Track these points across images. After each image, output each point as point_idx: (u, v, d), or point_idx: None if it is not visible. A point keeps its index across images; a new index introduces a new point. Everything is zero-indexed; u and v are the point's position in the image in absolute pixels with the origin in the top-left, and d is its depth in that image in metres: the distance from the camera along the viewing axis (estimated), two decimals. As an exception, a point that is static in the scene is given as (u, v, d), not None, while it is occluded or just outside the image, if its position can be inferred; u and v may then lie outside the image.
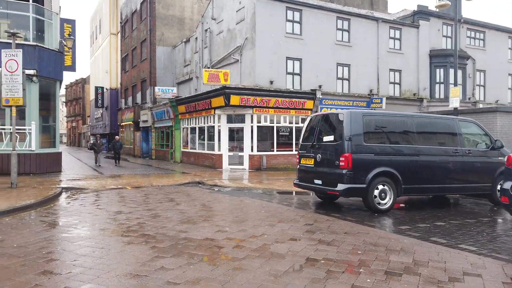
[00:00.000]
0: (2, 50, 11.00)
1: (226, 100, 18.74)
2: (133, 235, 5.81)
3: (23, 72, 11.14)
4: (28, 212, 7.90)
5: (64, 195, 10.68)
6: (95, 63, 54.37)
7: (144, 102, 32.29)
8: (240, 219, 6.96)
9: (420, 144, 8.19)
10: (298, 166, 9.10)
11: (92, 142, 30.38)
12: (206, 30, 25.19)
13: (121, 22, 40.40)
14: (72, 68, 24.31)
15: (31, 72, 14.65)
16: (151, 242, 5.36)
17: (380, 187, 7.73)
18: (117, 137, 25.29)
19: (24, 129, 14.80)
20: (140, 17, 33.35)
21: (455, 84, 13.51)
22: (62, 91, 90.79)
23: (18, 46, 12.91)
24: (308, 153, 8.51)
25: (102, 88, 45.81)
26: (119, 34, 42.04)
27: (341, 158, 7.48)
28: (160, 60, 30.89)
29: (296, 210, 8.07)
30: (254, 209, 8.08)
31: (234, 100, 18.78)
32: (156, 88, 25.67)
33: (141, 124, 32.11)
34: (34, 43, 14.89)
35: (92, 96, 53.14)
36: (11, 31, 10.97)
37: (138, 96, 34.01)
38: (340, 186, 7.48)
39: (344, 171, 7.47)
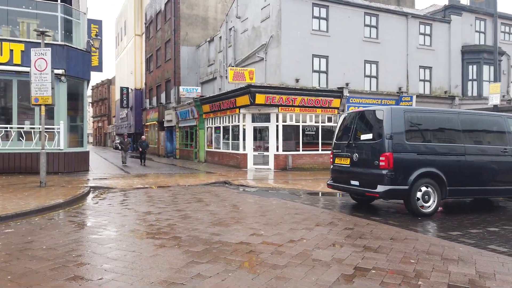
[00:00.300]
0: (32, 49, 11.04)
1: (252, 98, 18.43)
2: (164, 237, 5.53)
3: (52, 71, 11.15)
4: (56, 212, 7.79)
5: (92, 194, 10.61)
6: (120, 64, 55.27)
7: (169, 102, 32.42)
8: (274, 222, 6.59)
9: (466, 142, 7.59)
10: (332, 166, 8.64)
11: (119, 140, 29.99)
12: (230, 29, 24.98)
13: (145, 23, 40.80)
14: (98, 68, 24.62)
15: (60, 71, 14.75)
16: (184, 246, 5.07)
17: (423, 189, 7.19)
18: (143, 137, 24.81)
19: (53, 128, 14.93)
20: (164, 18, 33.52)
21: (496, 79, 12.70)
22: (88, 92, 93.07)
23: (47, 45, 13.00)
24: (344, 153, 8.05)
25: (127, 88, 46.44)
26: (144, 35, 42.49)
27: (381, 158, 6.99)
28: (184, 60, 30.92)
29: (332, 212, 7.62)
30: (286, 211, 7.70)
31: (260, 98, 18.44)
32: (181, 88, 25.65)
33: (166, 124, 32.25)
34: (63, 43, 15.00)
35: (117, 96, 54.04)
36: (40, 29, 10.98)
37: (163, 96, 34.20)
38: (380, 188, 6.99)
39: (384, 172, 6.98)
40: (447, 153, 7.40)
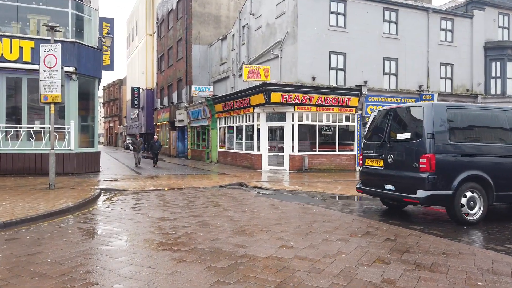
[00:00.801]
0: (41, 45, 10.57)
1: (267, 97, 17.77)
2: (183, 249, 4.91)
3: (62, 68, 10.66)
4: (65, 217, 7.24)
5: (103, 197, 10.07)
6: (132, 64, 55.15)
7: (180, 102, 31.97)
8: (303, 231, 5.92)
9: (515, 143, 6.82)
10: (361, 168, 7.93)
11: (131, 141, 28.21)
12: (243, 26, 24.37)
13: (157, 22, 40.47)
14: (110, 67, 24.22)
15: (70, 69, 14.31)
16: (205, 260, 4.44)
17: (469, 194, 6.44)
18: (155, 137, 23.36)
19: (63, 128, 14.49)
20: (176, 16, 33.09)
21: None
22: (99, 92, 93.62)
23: (57, 42, 12.55)
24: (376, 154, 7.33)
25: (138, 88, 46.20)
26: (155, 34, 42.18)
27: (421, 160, 6.27)
28: (196, 59, 30.42)
29: (364, 219, 6.92)
30: (313, 217, 7.02)
31: (275, 97, 17.78)
32: (193, 87, 25.13)
33: (177, 124, 31.79)
34: (73, 40, 14.56)
35: (128, 96, 53.93)
36: (50, 24, 10.49)
37: (174, 95, 33.77)
38: (421, 193, 6.27)
39: (425, 175, 6.25)
40: (495, 155, 6.64)
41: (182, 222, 6.66)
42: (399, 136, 6.79)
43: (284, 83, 18.03)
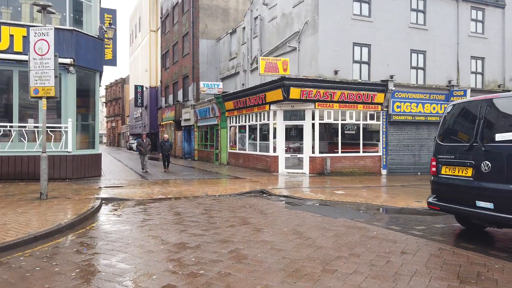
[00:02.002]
0: (31, 29, 8.92)
1: (285, 93, 16.07)
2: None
3: (56, 56, 9.00)
4: (55, 242, 5.58)
5: (104, 209, 8.40)
6: (135, 62, 53.56)
7: (186, 100, 30.31)
8: (385, 272, 4.22)
9: None
10: (434, 177, 6.19)
11: (136, 142, 22.21)
12: (255, 18, 22.66)
13: (161, 17, 38.83)
14: (112, 62, 22.53)
15: (68, 61, 12.66)
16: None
17: None
18: (165, 135, 19.48)
19: (60, 128, 12.84)
20: (182, 10, 31.42)
21: None
22: (102, 91, 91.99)
23: (54, 30, 10.92)
24: (461, 159, 5.59)
25: (142, 86, 44.61)
26: (159, 30, 40.55)
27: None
28: (203, 54, 28.74)
29: (456, 250, 5.16)
30: (382, 245, 5.33)
31: (294, 93, 16.07)
32: (201, 83, 23.45)
33: (183, 123, 30.14)
34: (71, 28, 12.90)
35: (131, 95, 52.35)
36: (41, 2, 8.82)
37: (180, 93, 32.12)
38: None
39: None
40: None
41: (209, 252, 4.97)
42: (502, 137, 5.05)
43: (304, 77, 16.32)
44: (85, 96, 14.25)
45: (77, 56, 12.96)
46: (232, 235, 5.87)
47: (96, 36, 14.17)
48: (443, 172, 5.93)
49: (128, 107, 60.80)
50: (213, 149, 24.85)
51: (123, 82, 69.96)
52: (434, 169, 6.10)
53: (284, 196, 10.43)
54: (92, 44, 13.70)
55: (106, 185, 12.08)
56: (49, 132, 12.62)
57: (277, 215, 7.66)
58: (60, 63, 12.36)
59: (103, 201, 9.31)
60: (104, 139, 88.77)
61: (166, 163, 18.14)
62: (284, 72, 16.26)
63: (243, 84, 23.95)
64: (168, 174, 16.43)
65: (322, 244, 5.34)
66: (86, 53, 13.37)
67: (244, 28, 24.24)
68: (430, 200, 6.10)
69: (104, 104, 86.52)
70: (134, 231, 6.22)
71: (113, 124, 79.03)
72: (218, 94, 22.86)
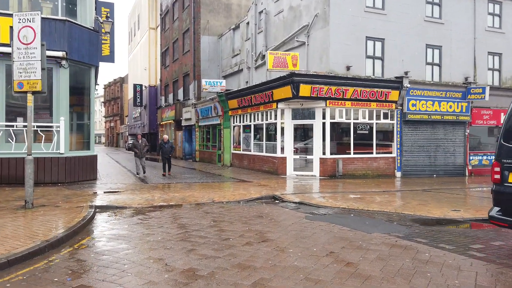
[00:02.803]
0: (14, 14, 7.85)
1: (294, 90, 14.99)
2: None
3: (43, 45, 7.93)
4: (32, 268, 4.49)
5: (98, 220, 7.32)
6: (134, 61, 52.46)
7: (187, 99, 29.22)
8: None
9: None
10: (500, 186, 5.08)
11: (131, 142, 18.78)
12: (260, 12, 21.58)
13: (161, 14, 37.75)
14: (110, 58, 21.36)
15: (59, 54, 11.57)
16: None
17: None
18: (165, 136, 17.35)
19: (51, 127, 11.75)
20: (182, 6, 30.33)
21: None
22: (100, 91, 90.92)
23: (44, 20, 9.84)
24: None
25: (141, 85, 43.50)
26: (159, 28, 39.45)
27: None
28: (205, 51, 27.65)
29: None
30: (444, 273, 4.25)
31: (304, 90, 15.00)
32: (203, 81, 22.36)
33: (183, 123, 29.06)
34: (63, 18, 11.81)
35: (130, 95, 51.22)
36: (24, -17, 7.72)
37: (180, 92, 31.03)
38: None
39: None
40: None
41: (226, 284, 3.88)
42: None
43: (315, 73, 15.24)
44: (79, 93, 13.16)
45: (70, 49, 11.86)
46: (252, 258, 4.79)
47: (92, 28, 13.08)
48: (510, 180, 4.83)
49: (127, 106, 59.68)
50: (215, 149, 23.77)
51: (121, 81, 68.85)
52: (497, 176, 5.00)
53: (299, 203, 9.35)
54: (87, 36, 12.60)
55: (102, 190, 10.98)
56: (39, 132, 11.55)
57: (299, 228, 6.58)
58: (51, 56, 11.30)
59: (97, 210, 8.23)
60: (103, 139, 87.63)
61: (167, 166, 16.19)
62: (293, 68, 15.17)
63: (246, 82, 22.87)
64: (169, 178, 15.33)
65: (368, 271, 4.26)
66: (80, 46, 12.28)
67: (248, 23, 23.16)
68: (494, 214, 5.00)
69: (102, 103, 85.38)
70: (132, 251, 5.14)
71: (112, 124, 77.89)
72: (221, 92, 21.78)
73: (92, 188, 11.29)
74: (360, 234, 6.08)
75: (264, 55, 20.84)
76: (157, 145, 41.16)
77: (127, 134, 59.77)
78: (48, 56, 11.30)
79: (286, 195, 10.44)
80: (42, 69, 7.89)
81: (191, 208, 8.70)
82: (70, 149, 12.15)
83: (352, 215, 7.90)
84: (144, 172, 15.79)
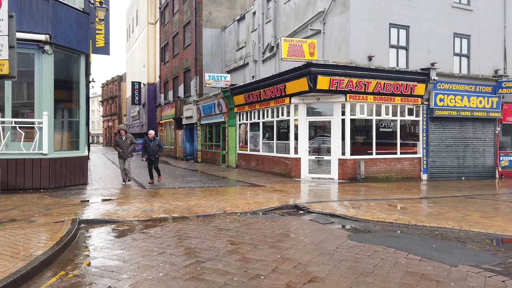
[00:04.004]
0: (-27, -24, 6.10)
1: (311, 82, 13.29)
2: None
3: (11, 17, 6.21)
4: None
5: (79, 243, 5.60)
6: (132, 58, 50.70)
7: (188, 96, 27.49)
8: None
9: None
10: None
11: (116, 140, 12.83)
12: (268, 0, 19.86)
13: (160, 8, 36.04)
14: (105, 50, 19.69)
15: (42, 37, 9.85)
16: None
17: None
18: (151, 132, 12.81)
19: (32, 123, 10.02)
20: (182, -3, 28.61)
21: None
22: (98, 90, 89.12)
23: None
24: None
25: (139, 83, 41.71)
26: (158, 22, 37.70)
27: None
28: (207, 45, 25.92)
29: None
30: None
31: (322, 82, 13.30)
32: (206, 75, 20.63)
33: (184, 121, 27.33)
34: (46, -5, 10.07)
35: (128, 93, 49.43)
36: None
37: (180, 89, 29.29)
38: None
39: None
40: None
41: None
42: None
43: (334, 63, 13.53)
44: (67, 85, 11.43)
45: (55, 32, 10.13)
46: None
47: (81, 10, 11.33)
48: None
49: (125, 105, 57.91)
50: (219, 149, 22.06)
51: (120, 80, 67.04)
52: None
53: (331, 215, 7.65)
54: (74, 18, 10.87)
55: (91, 198, 9.25)
56: (18, 129, 9.83)
57: (350, 256, 4.87)
58: (32, 40, 9.61)
59: (82, 226, 6.53)
60: (101, 139, 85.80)
61: (157, 171, 12.79)
62: (310, 57, 13.47)
63: (253, 77, 21.15)
64: (169, 179, 13.59)
65: None
66: (67, 29, 10.54)
67: (254, 13, 21.44)
68: None
69: (100, 103, 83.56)
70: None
71: (110, 124, 76.07)
72: (226, 88, 20.08)
73: (80, 195, 9.56)
74: (441, 267, 4.38)
75: (273, 47, 19.17)
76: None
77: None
78: (28, 40, 9.61)
79: (310, 204, 8.73)
80: (10, 47, 6.17)
81: (199, 222, 7.00)
82: (55, 149, 10.41)
83: (409, 234, 6.19)
84: (129, 180, 12.46)
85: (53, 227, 6.11)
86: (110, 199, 9.17)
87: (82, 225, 6.68)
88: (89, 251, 5.21)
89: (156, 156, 12.74)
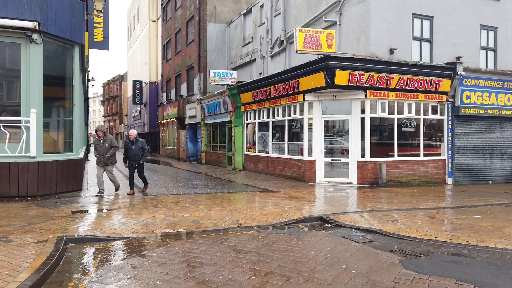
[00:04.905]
0: None
1: (329, 77, 12.09)
2: None
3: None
4: None
5: (63, 271, 4.41)
6: (133, 57, 49.58)
7: (191, 94, 26.33)
8: None
9: None
10: None
11: (92, 140, 10.34)
12: (277, -8, 18.69)
13: (162, 4, 34.90)
14: (104, 45, 18.56)
15: (29, 24, 8.67)
16: None
17: None
18: (132, 132, 10.48)
19: (18, 122, 8.85)
20: (185, -9, 27.44)
21: None
22: (99, 90, 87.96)
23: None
24: None
25: (141, 82, 40.58)
26: (160, 19, 36.54)
27: None
28: (211, 41, 24.74)
29: None
30: None
31: (341, 77, 12.10)
32: (211, 71, 19.46)
33: (187, 121, 26.16)
34: (34, -23, 8.89)
35: (130, 93, 48.28)
36: None
37: (183, 87, 28.13)
38: None
39: None
40: None
41: None
42: None
43: (354, 56, 12.32)
44: (59, 80, 10.26)
45: (45, 19, 8.95)
46: None
47: (75, -4, 10.15)
48: None
49: (127, 105, 56.82)
50: (224, 150, 20.88)
51: (121, 79, 65.98)
52: None
53: (366, 231, 6.45)
54: (68, 4, 9.68)
55: (84, 208, 8.07)
56: (2, 128, 8.67)
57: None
58: (18, 28, 8.46)
59: (69, 246, 5.35)
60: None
61: (143, 180, 10.53)
62: (328, 49, 12.27)
63: (260, 73, 19.96)
64: (172, 183, 12.40)
65: None
66: (59, 16, 9.37)
67: (262, 6, 20.25)
68: None
69: (101, 102, 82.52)
70: None
71: (111, 124, 75.02)
72: (232, 85, 18.90)
73: (72, 204, 8.38)
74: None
75: (283, 41, 17.97)
76: (158, 146, 38.46)
77: (126, 134, 56.97)
78: (13, 27, 8.46)
79: (337, 216, 7.53)
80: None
81: (210, 240, 5.81)
82: (45, 151, 9.24)
83: (468, 256, 4.99)
84: (117, 189, 10.38)
85: (33, 249, 4.94)
86: (106, 209, 7.98)
87: (70, 244, 5.51)
88: (73, 285, 4.02)
89: (141, 162, 10.29)
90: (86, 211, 7.79)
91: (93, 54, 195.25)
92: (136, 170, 10.35)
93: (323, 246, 5.53)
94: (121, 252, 5.24)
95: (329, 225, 7.05)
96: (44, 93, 9.18)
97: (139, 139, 10.35)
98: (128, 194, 10.09)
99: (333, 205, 8.85)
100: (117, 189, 10.46)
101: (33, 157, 8.89)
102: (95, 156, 10.07)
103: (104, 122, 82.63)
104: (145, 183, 10.68)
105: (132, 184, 10.28)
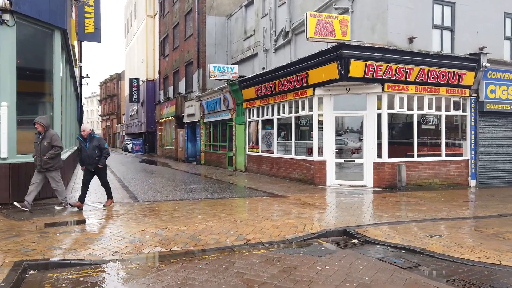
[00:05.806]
0: None
1: (342, 68, 10.82)
2: None
3: None
4: None
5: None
6: (130, 54, 48.29)
7: (190, 91, 25.04)
8: None
9: None
10: None
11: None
12: (282, -20, 17.40)
13: (159, -2, 33.57)
14: (95, 36, 17.27)
15: (-2, 3, 7.37)
16: None
17: None
18: (86, 126, 7.91)
19: (-15, 117, 7.55)
20: (183, -17, 26.15)
21: None
22: (96, 89, 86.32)
23: None
24: None
25: (138, 80, 39.29)
26: (157, 15, 35.24)
27: None
28: (211, 35, 23.45)
29: None
30: None
31: (356, 68, 10.84)
32: (211, 66, 18.17)
33: (186, 119, 24.89)
34: None
35: (127, 91, 46.98)
36: None
37: (182, 84, 26.84)
38: None
39: None
40: None
41: None
42: None
43: (371, 45, 11.04)
44: (36, 71, 8.96)
45: (18, -3, 7.66)
46: None
47: (55, -26, 8.85)
48: None
49: (124, 104, 55.47)
50: (225, 150, 19.60)
51: (118, 78, 64.60)
52: None
53: (405, 250, 5.19)
54: (46, -18, 8.38)
55: (61, 219, 6.78)
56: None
57: None
58: (-17, 6, 7.13)
59: (29, 274, 4.08)
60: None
61: (105, 190, 8.21)
62: (342, 37, 10.97)
63: (263, 68, 18.66)
64: (170, 190, 11.12)
65: None
66: (34, -5, 8.07)
67: (265, -4, 18.97)
68: None
69: (99, 102, 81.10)
70: None
71: (108, 124, 73.66)
72: (233, 80, 17.64)
73: (47, 215, 7.09)
74: None
75: (288, 32, 16.68)
76: (155, 146, 37.15)
77: (123, 134, 55.60)
78: (-22, 6, 7.15)
79: (366, 230, 6.26)
80: None
81: (212, 264, 4.54)
82: (18, 151, 7.95)
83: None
84: (64, 204, 7.73)
85: (-26, 283, 3.66)
86: (86, 221, 6.69)
87: (31, 272, 4.24)
88: None
89: (99, 165, 7.80)
90: (63, 223, 6.51)
91: (91, 53, 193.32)
92: (97, 176, 8.00)
93: (358, 274, 4.25)
94: (96, 286, 3.97)
95: (356, 241, 5.78)
96: (20, 85, 7.90)
97: (95, 135, 7.88)
98: (71, 205, 7.67)
99: (354, 214, 7.58)
100: (64, 204, 7.72)
101: (4, 158, 7.61)
102: (33, 157, 7.59)
103: (101, 122, 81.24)
104: (109, 194, 8.21)
105: (84, 194, 7.77)
